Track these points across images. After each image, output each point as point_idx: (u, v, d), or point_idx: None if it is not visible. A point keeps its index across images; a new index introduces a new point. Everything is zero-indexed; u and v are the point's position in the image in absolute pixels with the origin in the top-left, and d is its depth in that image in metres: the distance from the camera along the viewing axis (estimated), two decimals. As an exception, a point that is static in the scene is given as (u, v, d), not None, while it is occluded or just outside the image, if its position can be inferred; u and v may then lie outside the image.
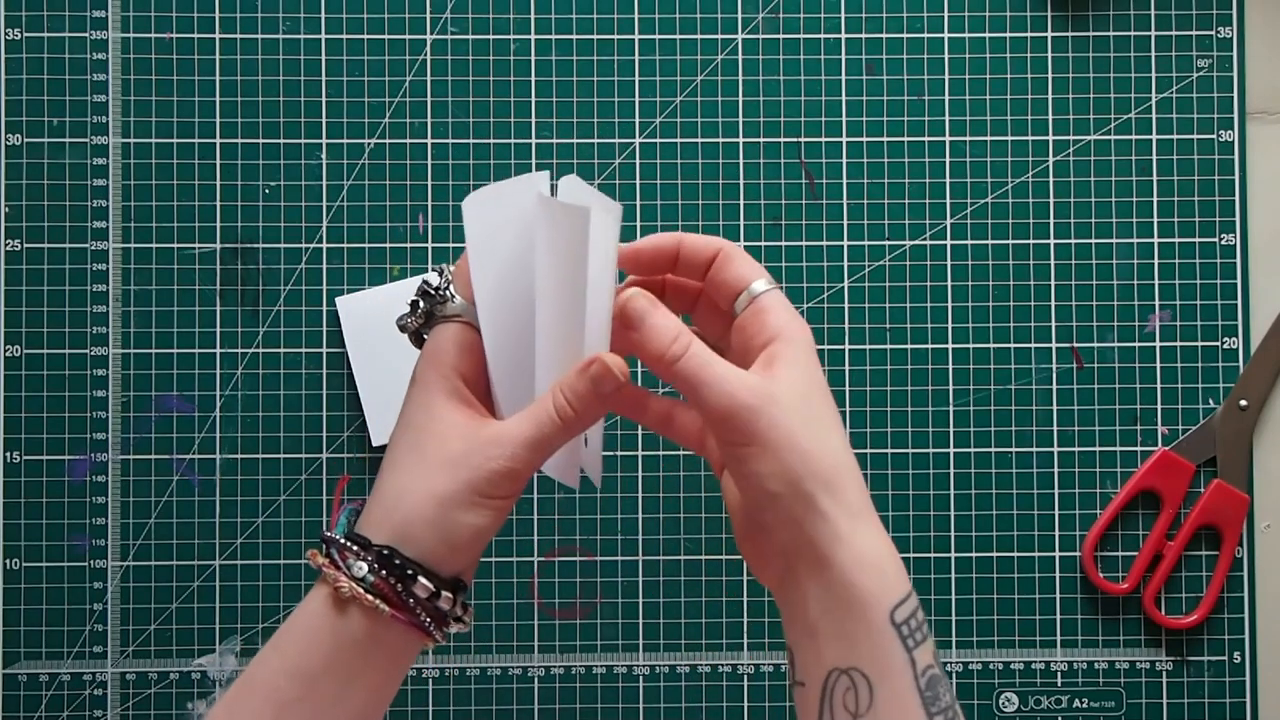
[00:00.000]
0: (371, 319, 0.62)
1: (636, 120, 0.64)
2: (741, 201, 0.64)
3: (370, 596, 0.41)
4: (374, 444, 0.62)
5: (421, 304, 0.44)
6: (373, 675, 0.42)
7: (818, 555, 0.41)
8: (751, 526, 0.44)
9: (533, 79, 0.64)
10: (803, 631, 0.41)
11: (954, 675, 0.63)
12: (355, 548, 0.42)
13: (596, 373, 0.42)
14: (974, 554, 0.63)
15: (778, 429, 0.40)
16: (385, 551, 0.41)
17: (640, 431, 0.63)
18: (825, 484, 0.40)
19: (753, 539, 0.44)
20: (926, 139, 0.64)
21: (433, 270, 0.44)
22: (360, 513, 0.44)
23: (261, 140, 0.64)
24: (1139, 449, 0.64)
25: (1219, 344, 0.64)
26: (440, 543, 0.42)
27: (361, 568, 0.41)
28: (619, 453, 0.63)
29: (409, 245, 0.63)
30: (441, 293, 0.43)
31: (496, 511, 0.42)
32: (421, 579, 0.41)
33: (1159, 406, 0.64)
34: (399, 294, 0.63)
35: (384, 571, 0.41)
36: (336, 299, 0.63)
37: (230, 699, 0.42)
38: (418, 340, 0.45)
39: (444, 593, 0.42)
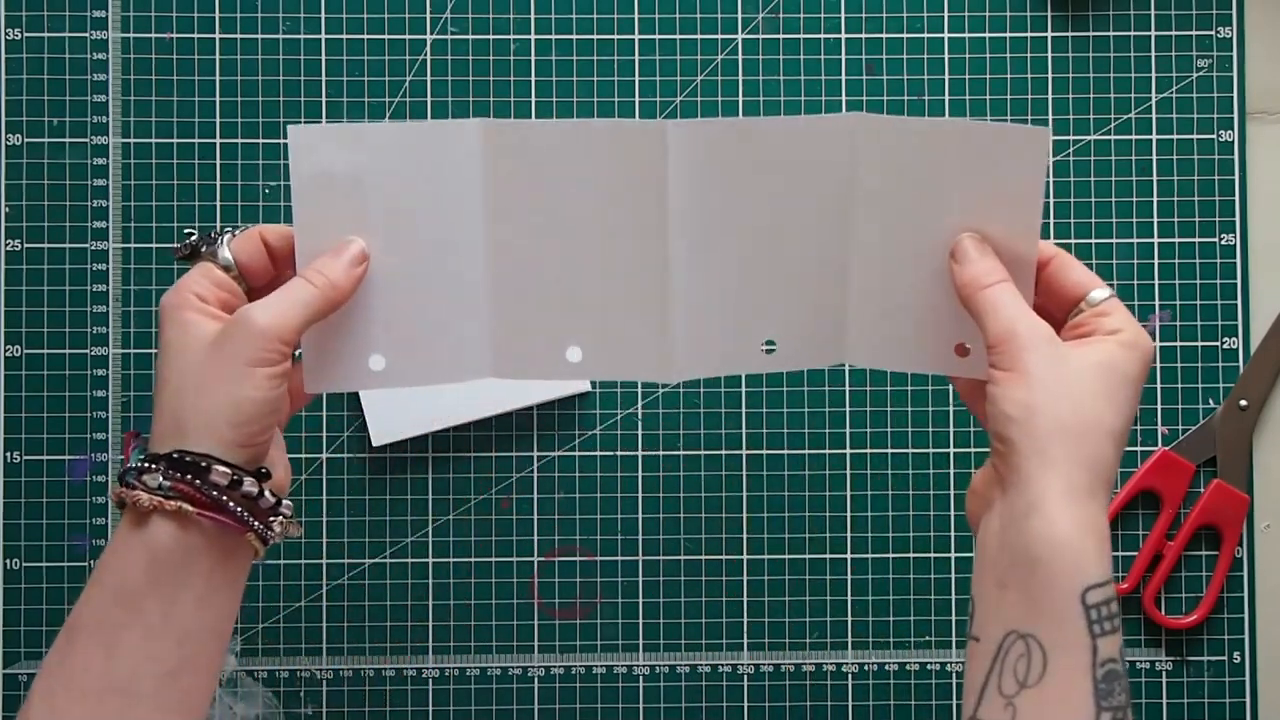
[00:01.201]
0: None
1: (636, 120, 0.64)
2: (741, 201, 0.64)
3: (170, 501, 0.41)
4: (374, 444, 0.62)
5: (195, 238, 0.45)
6: (197, 584, 0.42)
7: (1030, 500, 0.40)
8: (991, 450, 0.43)
9: (533, 79, 0.64)
10: (991, 582, 0.41)
11: (954, 675, 0.64)
12: (148, 465, 0.41)
13: (353, 252, 0.44)
14: (974, 554, 0.63)
15: (1038, 360, 0.41)
16: (174, 455, 0.41)
17: (640, 431, 0.63)
18: (1065, 440, 0.40)
19: (987, 462, 0.44)
20: (926, 139, 0.64)
21: (224, 228, 0.46)
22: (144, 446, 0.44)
23: (261, 140, 0.64)
24: (1139, 449, 0.64)
25: (1219, 344, 0.64)
26: (226, 425, 0.42)
27: (156, 478, 0.41)
28: (619, 453, 0.63)
29: (409, 245, 0.63)
30: (215, 239, 0.45)
31: (274, 379, 0.42)
32: (217, 466, 0.41)
33: (1159, 406, 0.64)
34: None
35: (177, 473, 0.41)
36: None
37: (58, 645, 0.42)
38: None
39: (246, 478, 0.42)
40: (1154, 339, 0.64)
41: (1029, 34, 0.64)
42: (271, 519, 0.43)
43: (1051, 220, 0.64)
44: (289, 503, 0.45)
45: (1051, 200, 0.64)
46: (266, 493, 0.43)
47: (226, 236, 0.45)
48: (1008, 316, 0.42)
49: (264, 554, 0.44)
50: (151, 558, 0.42)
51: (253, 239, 0.45)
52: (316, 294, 0.43)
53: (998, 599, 0.40)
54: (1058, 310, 0.45)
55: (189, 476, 0.41)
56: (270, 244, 0.45)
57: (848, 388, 0.64)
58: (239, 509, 0.42)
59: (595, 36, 0.64)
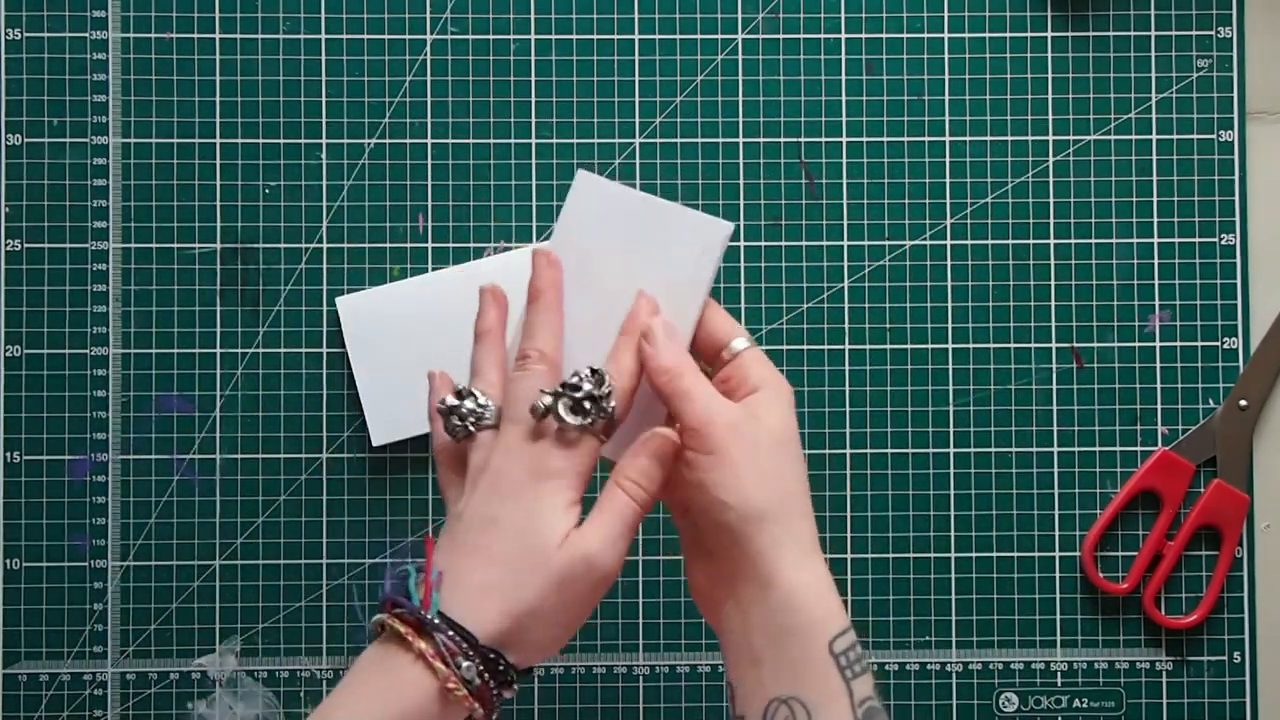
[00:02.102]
0: (371, 319, 0.63)
1: (636, 120, 0.64)
2: (741, 201, 0.64)
3: (473, 700, 0.42)
4: (374, 444, 0.62)
5: (596, 403, 0.44)
6: None
7: (763, 577, 0.43)
8: (700, 554, 0.46)
9: (533, 79, 0.64)
10: (746, 662, 0.43)
11: (954, 675, 0.64)
12: (464, 644, 0.42)
13: (657, 449, 0.45)
14: (974, 554, 0.63)
15: (742, 445, 0.43)
16: (491, 655, 0.42)
17: (640, 431, 0.63)
18: (777, 508, 0.43)
19: (701, 566, 0.46)
20: (926, 139, 0.64)
21: (584, 376, 0.45)
22: (416, 575, 0.44)
23: (261, 140, 0.64)
24: (1139, 449, 0.64)
25: (1219, 344, 0.64)
26: (542, 654, 0.44)
27: (471, 669, 0.42)
28: (619, 453, 0.63)
29: (409, 245, 0.63)
30: (601, 401, 0.44)
31: (589, 613, 0.45)
32: (514, 684, 0.43)
33: (1159, 406, 0.64)
34: (399, 294, 0.63)
35: (487, 674, 0.42)
36: (337, 299, 0.63)
37: None
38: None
39: (520, 681, 0.44)
40: (1154, 339, 0.64)
41: (1029, 34, 0.64)
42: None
43: (1052, 220, 0.64)
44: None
45: (1051, 200, 0.64)
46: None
47: (607, 390, 0.44)
48: (704, 401, 0.44)
49: None
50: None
51: (491, 369, 0.48)
52: (636, 511, 0.44)
53: (754, 676, 0.43)
54: (706, 356, 0.48)
55: (493, 684, 0.43)
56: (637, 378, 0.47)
57: (848, 388, 0.64)
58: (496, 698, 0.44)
59: (595, 36, 0.64)
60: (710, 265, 0.48)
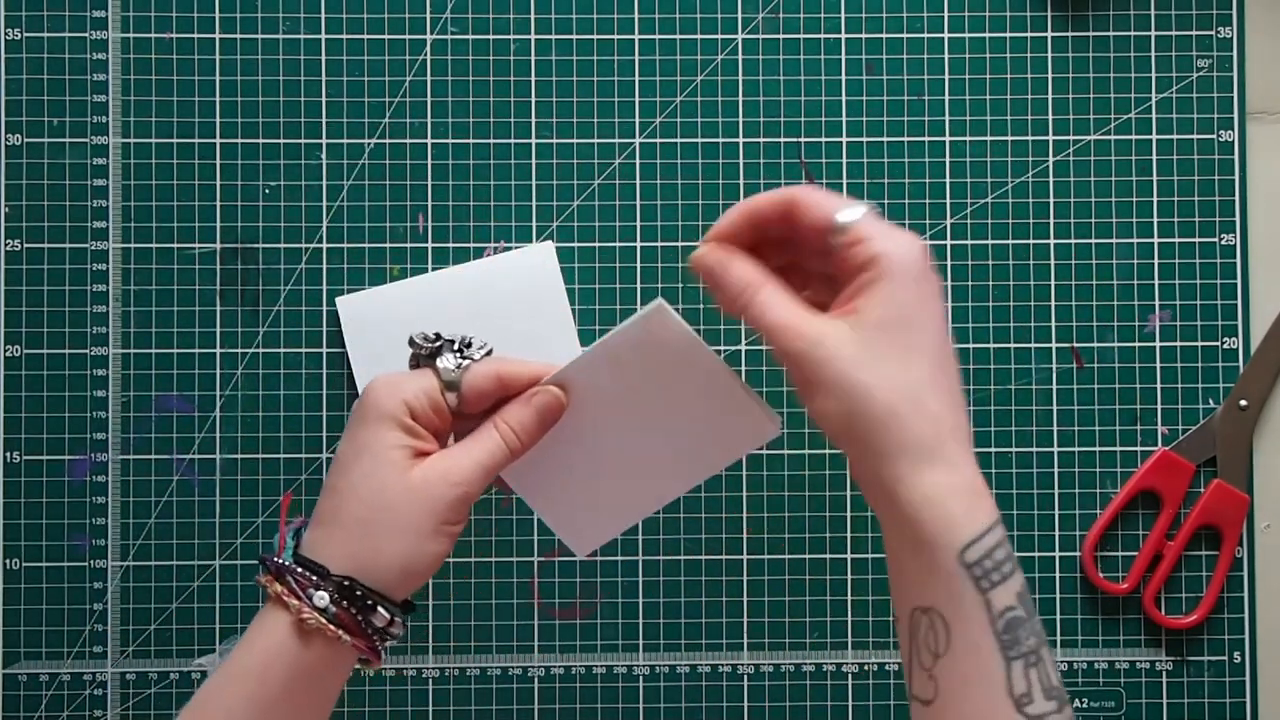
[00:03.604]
0: (371, 319, 0.63)
1: (636, 120, 0.64)
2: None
3: (333, 628, 0.42)
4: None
5: (439, 344, 0.45)
6: (319, 696, 0.44)
7: (882, 493, 0.40)
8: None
9: (533, 79, 0.64)
10: (894, 565, 0.41)
11: (954, 675, 0.63)
12: (314, 577, 0.42)
13: (541, 403, 0.44)
14: (974, 554, 0.63)
15: (825, 369, 0.39)
16: (346, 582, 0.42)
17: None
18: (880, 422, 0.39)
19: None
20: (926, 139, 0.64)
21: (474, 341, 0.46)
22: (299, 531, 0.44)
23: (261, 140, 0.64)
24: (1139, 449, 0.64)
25: (1219, 344, 0.64)
26: (401, 571, 0.43)
27: (323, 598, 0.42)
28: (619, 453, 0.63)
29: (409, 245, 0.63)
30: (457, 351, 0.45)
31: (452, 538, 0.43)
32: (380, 608, 0.43)
33: (1159, 406, 0.64)
34: (399, 294, 0.63)
35: (344, 602, 0.42)
36: (336, 299, 0.63)
37: None
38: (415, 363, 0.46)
39: (397, 619, 0.43)
40: (1154, 339, 0.64)
41: (1029, 34, 0.64)
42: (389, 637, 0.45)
43: (1052, 220, 0.64)
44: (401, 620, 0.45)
45: (1051, 200, 0.64)
46: (404, 622, 0.44)
47: (467, 363, 0.45)
48: (780, 333, 0.41)
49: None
50: (294, 671, 0.42)
51: (490, 378, 0.45)
52: (507, 458, 0.44)
53: (900, 581, 0.41)
54: (819, 246, 0.42)
55: (353, 610, 0.42)
56: (506, 383, 0.45)
57: (848, 388, 0.63)
58: (380, 642, 0.44)
59: (595, 36, 0.64)
60: (740, 453, 0.47)
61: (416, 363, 0.46)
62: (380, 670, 0.47)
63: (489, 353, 0.45)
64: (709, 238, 0.43)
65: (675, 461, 0.47)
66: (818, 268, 0.43)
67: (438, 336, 0.45)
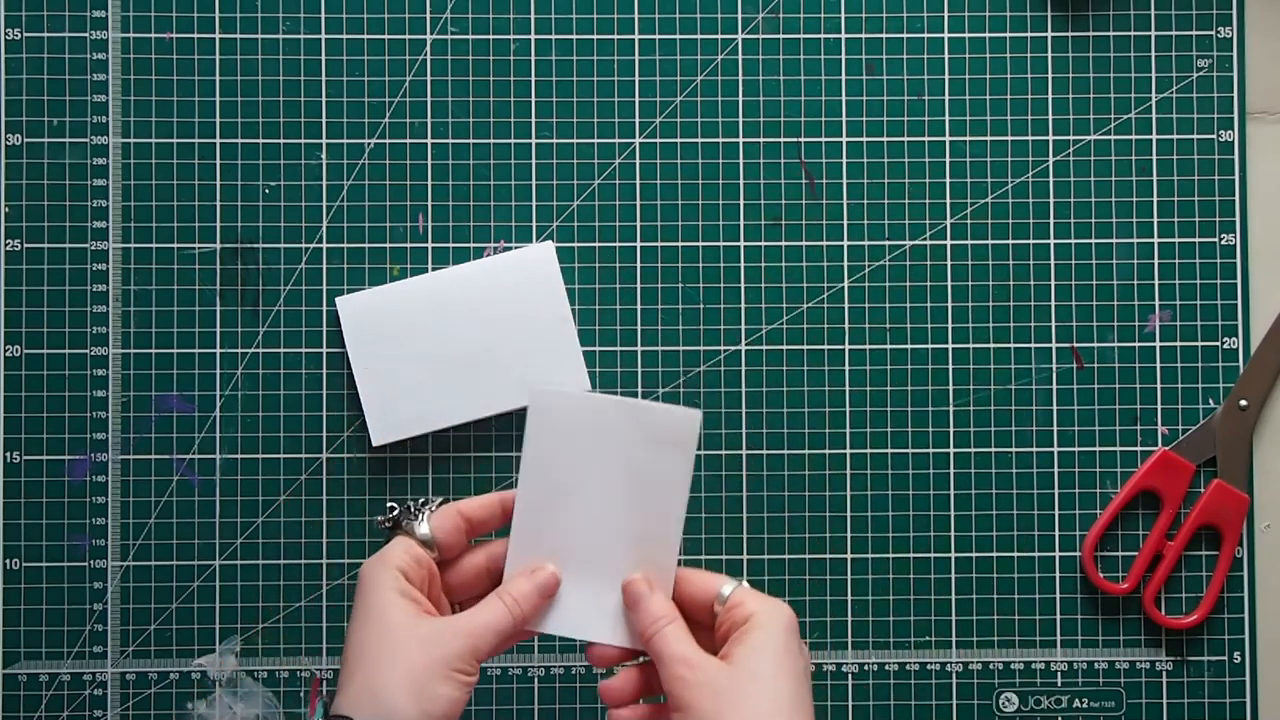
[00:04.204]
0: (371, 319, 0.63)
1: (636, 120, 0.64)
2: (741, 201, 0.64)
3: None
4: (374, 444, 0.62)
5: (397, 512, 0.50)
6: None
7: None
8: None
9: (533, 79, 0.64)
10: None
11: (954, 675, 0.64)
12: None
13: (541, 580, 0.49)
14: (974, 554, 0.64)
15: (697, 695, 0.44)
16: None
17: (640, 431, 0.63)
18: None
19: None
20: (926, 139, 0.64)
21: (424, 501, 0.50)
22: (329, 701, 0.48)
23: (261, 140, 0.64)
24: (1139, 449, 0.64)
25: (1219, 344, 0.64)
26: (421, 714, 0.45)
27: None
28: (619, 453, 0.63)
29: (409, 245, 0.64)
30: (416, 513, 0.50)
31: (466, 686, 0.46)
32: None
33: (1159, 406, 0.64)
34: (399, 294, 0.63)
35: None
36: (336, 299, 0.63)
37: None
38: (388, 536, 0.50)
39: None
40: (1154, 339, 0.64)
41: (1029, 34, 0.64)
42: None
43: (1052, 220, 0.64)
44: None
45: (1052, 200, 0.64)
46: None
47: (427, 512, 0.49)
48: (669, 661, 0.46)
49: None
50: None
51: (452, 517, 0.49)
52: (510, 623, 0.48)
53: None
54: (701, 616, 0.48)
55: None
56: (468, 519, 0.50)
57: (848, 388, 0.64)
58: None
59: (595, 36, 0.64)
60: (686, 457, 0.48)
61: (388, 538, 0.49)
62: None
63: (442, 502, 0.50)
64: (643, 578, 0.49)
65: (648, 509, 0.49)
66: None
67: (393, 508, 0.50)
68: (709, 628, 0.48)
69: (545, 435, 0.49)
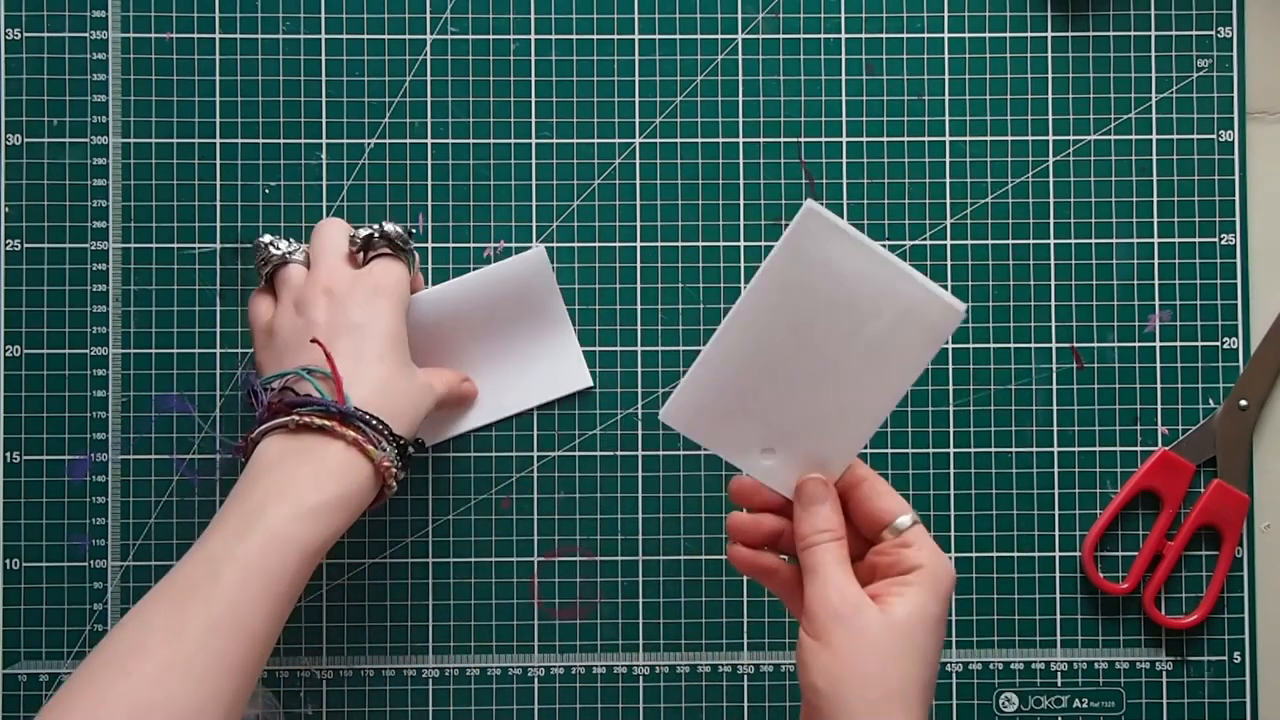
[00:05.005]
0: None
1: (636, 120, 0.64)
2: (741, 201, 0.64)
3: (399, 472, 0.52)
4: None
5: (387, 234, 0.57)
6: (313, 464, 0.50)
7: None
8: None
9: (533, 79, 0.64)
10: None
11: (954, 675, 0.64)
12: (385, 433, 0.52)
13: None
14: (974, 554, 0.64)
15: (849, 642, 0.43)
16: (401, 442, 0.52)
17: (640, 431, 0.63)
18: (871, 711, 0.42)
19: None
20: (926, 139, 0.64)
21: (401, 224, 0.58)
22: (308, 377, 0.52)
23: (261, 140, 0.64)
24: (1139, 449, 0.64)
25: (1219, 344, 0.64)
26: (414, 424, 0.54)
27: (392, 453, 0.52)
28: (619, 453, 0.63)
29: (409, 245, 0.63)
30: (409, 236, 0.57)
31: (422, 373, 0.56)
32: (411, 452, 0.54)
33: (1159, 406, 0.64)
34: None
35: (396, 453, 0.52)
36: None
37: (254, 556, 0.47)
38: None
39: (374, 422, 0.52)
40: (1154, 339, 0.64)
41: (1029, 34, 0.64)
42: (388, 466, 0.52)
43: (1052, 220, 0.64)
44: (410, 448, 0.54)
45: (1052, 200, 0.64)
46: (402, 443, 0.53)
47: (411, 235, 0.58)
48: (822, 582, 0.45)
49: (385, 489, 0.53)
50: (361, 503, 0.51)
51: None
52: (453, 379, 0.60)
53: None
54: (866, 531, 0.47)
55: (399, 458, 0.53)
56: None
57: (848, 388, 0.63)
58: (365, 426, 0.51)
59: (595, 36, 0.64)
60: (930, 349, 0.45)
61: (268, 276, 0.58)
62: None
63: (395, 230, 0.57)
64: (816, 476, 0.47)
65: (867, 378, 0.46)
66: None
67: (263, 245, 0.58)
68: (864, 539, 0.47)
69: (798, 261, 0.44)
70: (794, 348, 0.46)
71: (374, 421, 0.51)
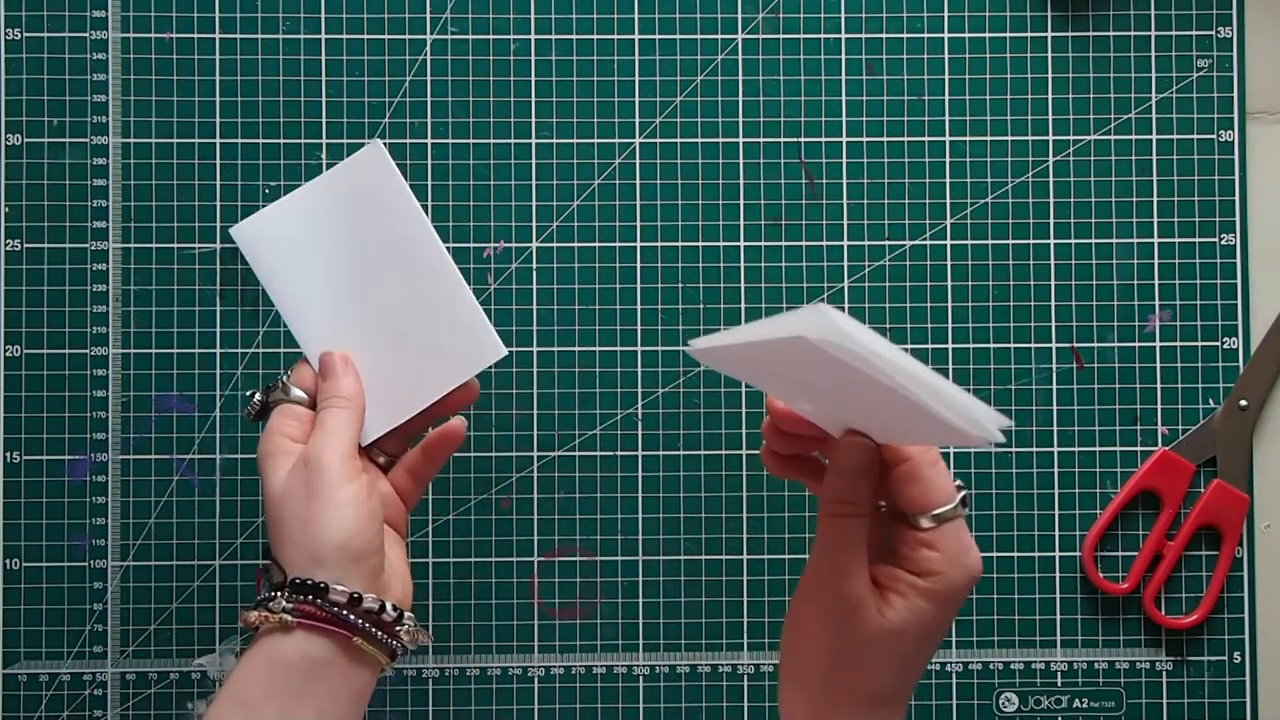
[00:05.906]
0: (283, 239, 0.54)
1: (636, 120, 0.64)
2: (741, 201, 0.64)
3: (286, 617, 0.47)
4: (363, 444, 0.62)
5: (258, 397, 0.54)
6: (319, 699, 0.47)
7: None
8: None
9: (533, 79, 0.64)
10: None
11: (954, 675, 0.64)
12: (272, 594, 0.48)
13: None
14: (974, 554, 0.63)
15: (852, 630, 0.43)
16: (296, 581, 0.48)
17: (640, 431, 0.63)
18: (868, 698, 0.43)
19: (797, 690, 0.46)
20: (926, 139, 0.64)
21: (279, 376, 0.55)
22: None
23: (261, 140, 0.64)
24: (1139, 449, 0.64)
25: (1219, 344, 0.64)
26: (335, 550, 0.48)
27: (279, 603, 0.48)
28: (619, 453, 0.63)
29: (409, 245, 0.63)
30: (283, 387, 0.53)
31: (357, 494, 0.49)
32: (337, 586, 0.47)
33: (1159, 406, 0.64)
34: (286, 210, 0.54)
35: (299, 596, 0.47)
36: (230, 229, 0.55)
37: None
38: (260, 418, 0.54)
39: (366, 596, 0.47)
40: (1154, 339, 0.64)
41: (1029, 34, 0.64)
42: (398, 629, 0.49)
43: (1052, 220, 0.64)
44: (412, 615, 0.50)
45: (1051, 200, 0.64)
46: (388, 606, 0.49)
47: (285, 377, 0.53)
48: (831, 564, 0.44)
49: (390, 668, 0.51)
50: (270, 669, 0.47)
51: (306, 371, 0.54)
52: (352, 413, 0.52)
53: None
54: (905, 505, 0.44)
55: (310, 597, 0.47)
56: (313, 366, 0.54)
57: (848, 388, 0.63)
58: (360, 621, 0.48)
59: (595, 36, 0.64)
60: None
61: (265, 411, 0.53)
62: (390, 667, 0.50)
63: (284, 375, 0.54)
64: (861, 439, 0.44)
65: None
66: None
67: (253, 394, 0.54)
68: (901, 516, 0.44)
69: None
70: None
71: (263, 594, 0.49)
